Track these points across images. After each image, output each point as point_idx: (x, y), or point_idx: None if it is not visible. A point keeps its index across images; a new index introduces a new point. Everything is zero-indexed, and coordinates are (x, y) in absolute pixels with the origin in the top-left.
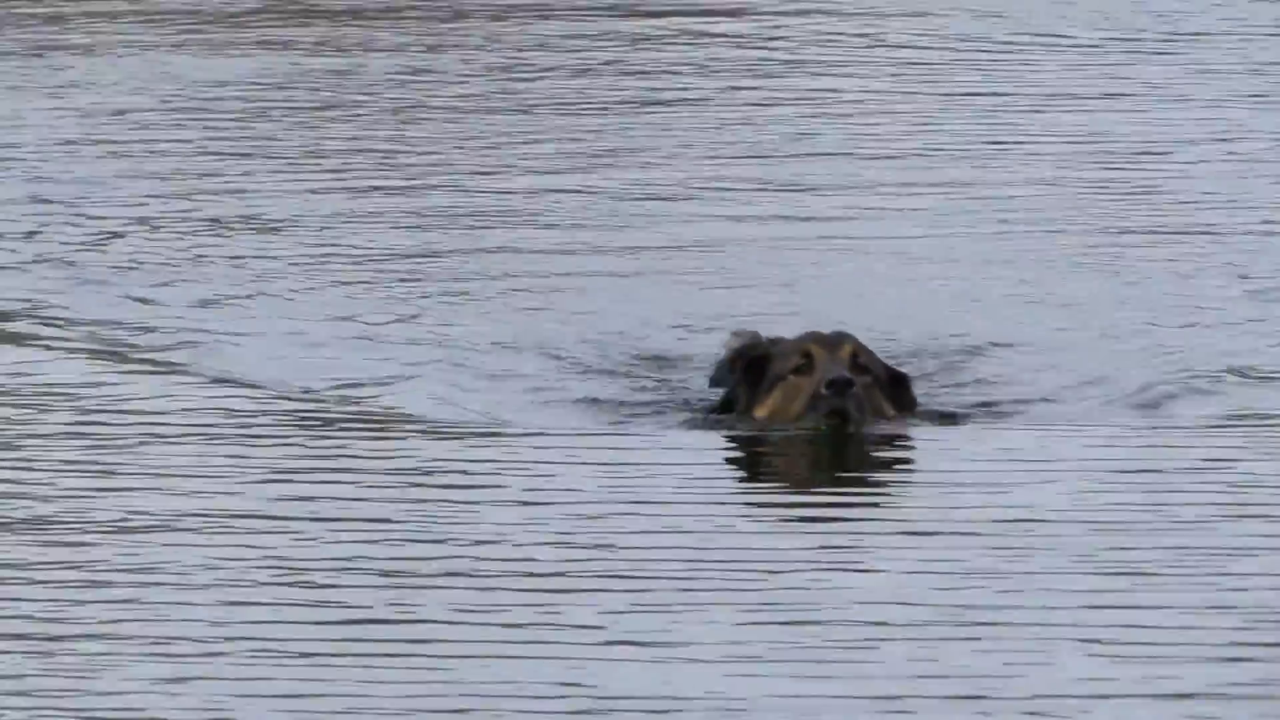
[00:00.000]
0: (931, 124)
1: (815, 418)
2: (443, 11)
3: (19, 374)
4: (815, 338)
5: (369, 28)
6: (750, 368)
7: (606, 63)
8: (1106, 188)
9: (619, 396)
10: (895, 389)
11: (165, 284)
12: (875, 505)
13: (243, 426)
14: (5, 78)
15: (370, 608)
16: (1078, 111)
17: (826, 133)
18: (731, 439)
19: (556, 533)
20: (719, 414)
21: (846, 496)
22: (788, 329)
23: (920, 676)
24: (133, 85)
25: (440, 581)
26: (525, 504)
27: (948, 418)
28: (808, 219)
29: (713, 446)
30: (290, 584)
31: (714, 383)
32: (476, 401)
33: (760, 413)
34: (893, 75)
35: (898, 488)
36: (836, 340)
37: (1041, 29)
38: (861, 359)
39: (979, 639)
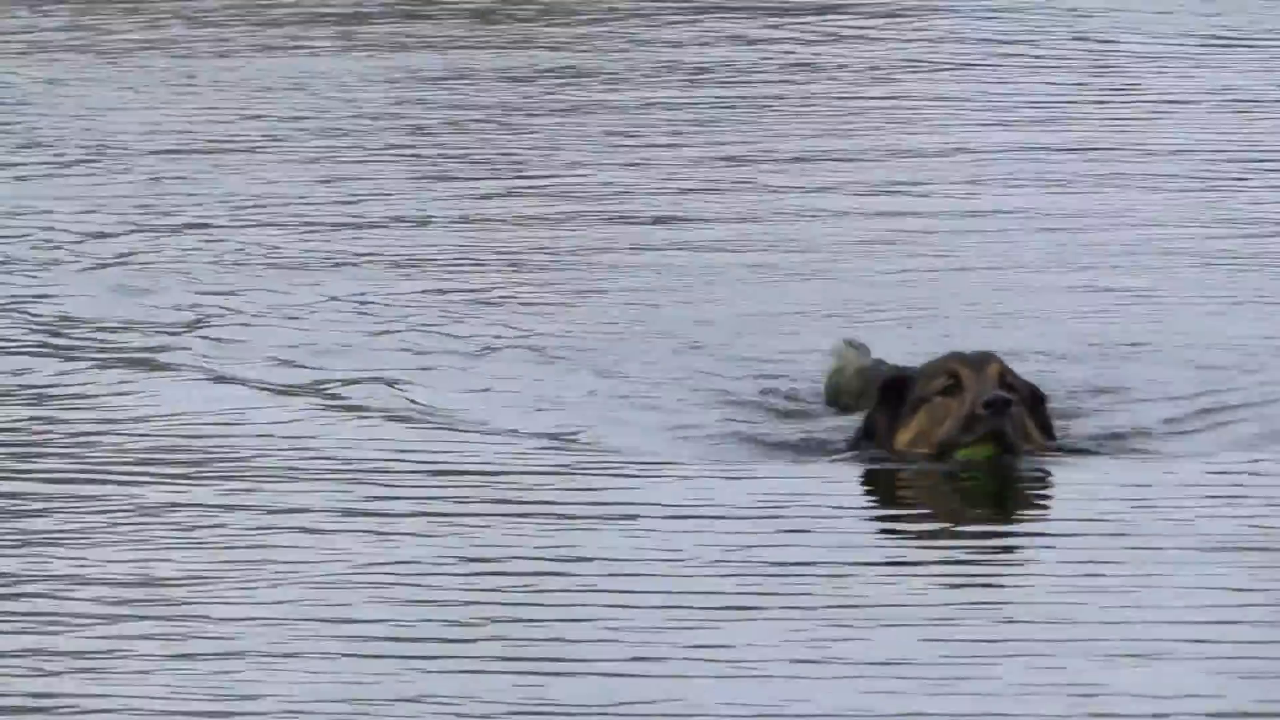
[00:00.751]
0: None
1: (968, 440)
2: (590, 11)
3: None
4: (960, 358)
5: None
6: (889, 391)
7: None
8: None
9: (756, 429)
10: (1034, 408)
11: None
12: (1034, 534)
13: (399, 459)
14: (127, 75)
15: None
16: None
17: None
18: (878, 470)
19: (697, 562)
20: (861, 442)
21: (1001, 524)
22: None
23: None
24: (259, 86)
25: (582, 601)
26: (664, 532)
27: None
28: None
29: (859, 477)
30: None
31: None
32: (608, 432)
33: (904, 437)
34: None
35: (1057, 519)
36: (982, 360)
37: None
38: (1008, 378)
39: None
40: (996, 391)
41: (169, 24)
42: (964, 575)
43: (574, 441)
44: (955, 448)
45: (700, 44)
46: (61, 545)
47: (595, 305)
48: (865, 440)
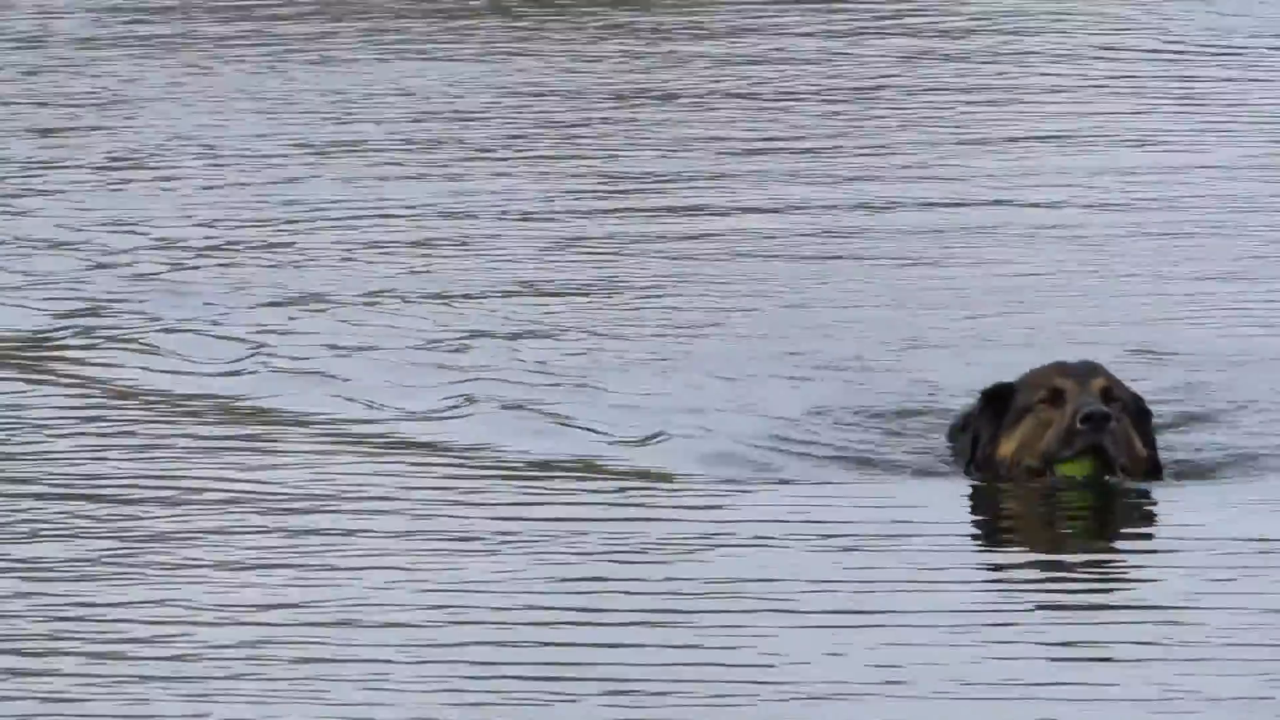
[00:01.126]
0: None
1: (1068, 455)
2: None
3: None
4: (1063, 368)
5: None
6: (993, 401)
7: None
8: None
9: (865, 449)
10: (1138, 420)
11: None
12: (1147, 549)
13: (480, 487)
14: (230, 81)
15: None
16: None
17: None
18: (987, 487)
19: (808, 579)
20: (967, 455)
21: (1111, 538)
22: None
23: None
24: (361, 91)
25: (698, 624)
26: (774, 549)
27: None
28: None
29: (967, 494)
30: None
31: (951, 436)
32: (719, 452)
33: (1006, 447)
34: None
35: (1167, 535)
36: (1087, 371)
37: None
38: (1113, 390)
39: None
40: (1096, 405)
41: (271, 26)
42: (1074, 591)
43: (676, 461)
44: (1056, 460)
45: (814, 36)
46: (186, 578)
47: (701, 318)
48: (973, 451)
